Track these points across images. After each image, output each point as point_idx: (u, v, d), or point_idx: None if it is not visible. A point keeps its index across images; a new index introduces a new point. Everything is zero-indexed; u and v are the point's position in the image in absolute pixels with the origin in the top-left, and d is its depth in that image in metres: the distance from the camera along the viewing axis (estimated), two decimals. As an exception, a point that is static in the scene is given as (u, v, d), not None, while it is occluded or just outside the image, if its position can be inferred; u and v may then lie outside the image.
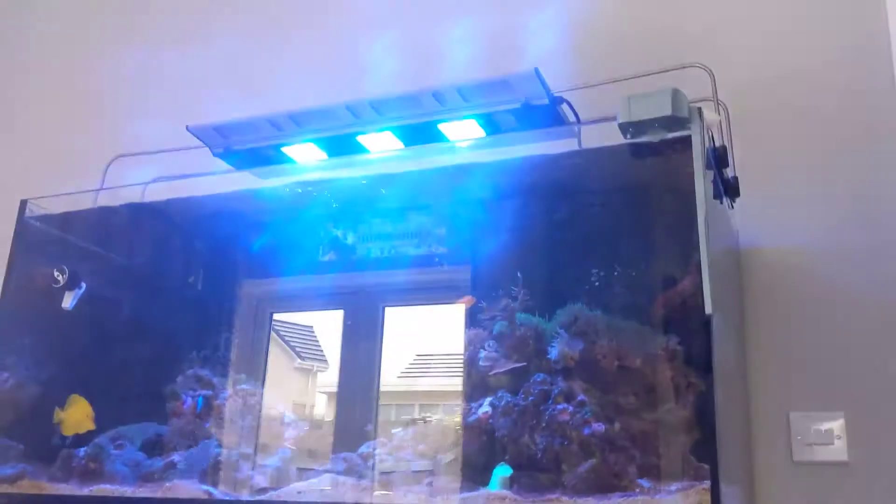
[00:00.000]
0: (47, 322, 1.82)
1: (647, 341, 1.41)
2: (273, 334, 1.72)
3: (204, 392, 1.65)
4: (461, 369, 1.49)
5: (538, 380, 1.40)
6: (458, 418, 1.44)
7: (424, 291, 1.72)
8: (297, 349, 1.74)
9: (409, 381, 1.62)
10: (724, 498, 1.17)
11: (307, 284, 1.79)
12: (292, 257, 1.76)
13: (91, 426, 1.62)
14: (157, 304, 1.85)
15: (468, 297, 1.51)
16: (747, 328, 1.70)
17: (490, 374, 1.47)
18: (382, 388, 1.57)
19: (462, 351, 1.51)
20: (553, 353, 1.42)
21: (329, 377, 1.64)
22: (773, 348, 1.67)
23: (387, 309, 1.69)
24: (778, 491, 1.58)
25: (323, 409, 1.66)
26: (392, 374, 1.61)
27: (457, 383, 1.48)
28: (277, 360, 1.70)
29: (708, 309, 1.23)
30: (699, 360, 1.30)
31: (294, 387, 1.71)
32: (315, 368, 1.71)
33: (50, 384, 1.77)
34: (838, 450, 1.57)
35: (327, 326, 1.70)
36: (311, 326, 1.77)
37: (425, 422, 1.50)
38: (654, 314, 1.43)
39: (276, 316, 1.74)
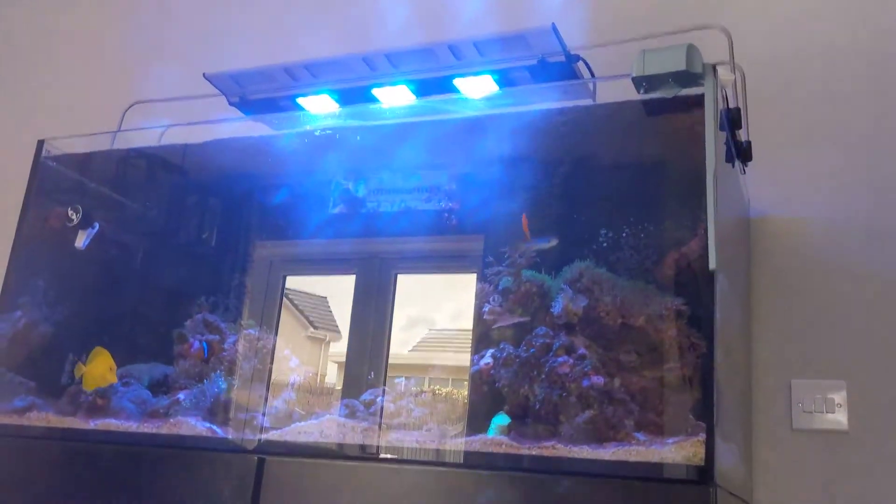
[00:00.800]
0: (61, 262, 1.84)
1: (651, 301, 1.41)
2: (287, 302, 1.73)
3: (211, 336, 1.67)
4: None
5: (540, 333, 1.41)
6: (465, 392, 1.45)
7: (437, 259, 1.72)
8: (311, 318, 1.75)
9: (422, 355, 1.63)
10: (719, 452, 1.18)
11: (320, 249, 1.79)
12: (303, 209, 1.76)
13: (113, 379, 1.60)
14: (169, 249, 1.87)
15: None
16: (753, 296, 1.70)
17: (493, 327, 1.48)
18: (394, 361, 1.58)
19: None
20: (556, 307, 1.43)
21: (341, 347, 1.65)
22: (778, 316, 1.67)
23: (399, 277, 1.70)
24: (776, 457, 1.59)
25: (334, 377, 1.67)
26: (404, 347, 1.62)
27: (468, 359, 1.48)
28: (290, 328, 1.71)
29: (712, 264, 1.23)
30: (702, 321, 1.31)
31: (306, 355, 1.73)
32: (328, 338, 1.72)
33: (62, 324, 1.80)
34: (838, 418, 1.57)
35: (340, 298, 1.70)
36: (325, 297, 1.79)
37: (434, 393, 1.51)
38: (661, 275, 1.43)
39: (290, 284, 1.75)
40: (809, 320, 1.65)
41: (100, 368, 1.59)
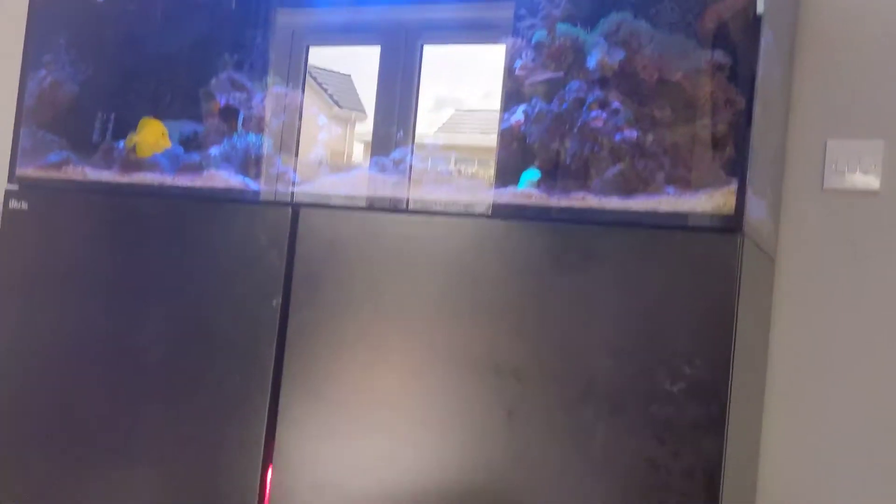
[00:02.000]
0: (82, 19, 1.79)
1: (690, 56, 1.36)
2: (311, 81, 1.69)
3: (237, 94, 1.65)
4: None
5: (573, 87, 1.37)
6: (491, 171, 1.44)
7: (464, 30, 1.65)
8: (336, 98, 1.72)
9: (447, 136, 1.61)
10: (749, 204, 1.18)
11: (343, 18, 1.72)
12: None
13: (167, 143, 1.59)
14: (189, 5, 1.81)
15: None
16: (797, 53, 1.63)
17: (525, 83, 1.45)
18: (419, 141, 1.56)
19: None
20: (591, 61, 1.38)
21: (367, 126, 1.62)
22: (820, 75, 1.61)
23: (426, 49, 1.64)
24: (803, 215, 1.60)
25: (360, 157, 1.66)
26: (430, 128, 1.60)
27: (493, 140, 1.46)
28: (316, 108, 1.68)
29: (759, 8, 1.17)
30: (742, 76, 1.27)
31: (332, 134, 1.71)
32: (353, 117, 1.69)
33: (87, 83, 1.79)
34: (870, 179, 1.56)
35: (365, 76, 1.65)
36: (349, 75, 1.74)
37: (460, 173, 1.50)
38: (702, 28, 1.37)
39: (314, 60, 1.69)
40: (852, 79, 1.59)
41: (153, 135, 1.60)
